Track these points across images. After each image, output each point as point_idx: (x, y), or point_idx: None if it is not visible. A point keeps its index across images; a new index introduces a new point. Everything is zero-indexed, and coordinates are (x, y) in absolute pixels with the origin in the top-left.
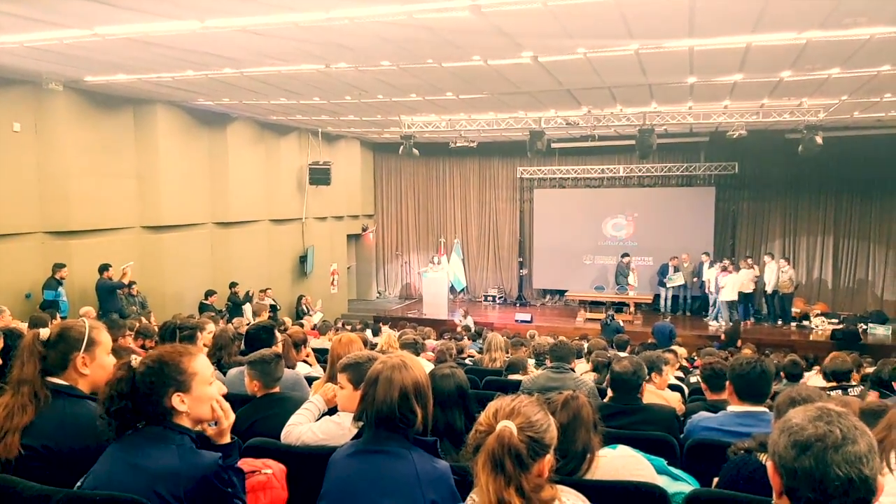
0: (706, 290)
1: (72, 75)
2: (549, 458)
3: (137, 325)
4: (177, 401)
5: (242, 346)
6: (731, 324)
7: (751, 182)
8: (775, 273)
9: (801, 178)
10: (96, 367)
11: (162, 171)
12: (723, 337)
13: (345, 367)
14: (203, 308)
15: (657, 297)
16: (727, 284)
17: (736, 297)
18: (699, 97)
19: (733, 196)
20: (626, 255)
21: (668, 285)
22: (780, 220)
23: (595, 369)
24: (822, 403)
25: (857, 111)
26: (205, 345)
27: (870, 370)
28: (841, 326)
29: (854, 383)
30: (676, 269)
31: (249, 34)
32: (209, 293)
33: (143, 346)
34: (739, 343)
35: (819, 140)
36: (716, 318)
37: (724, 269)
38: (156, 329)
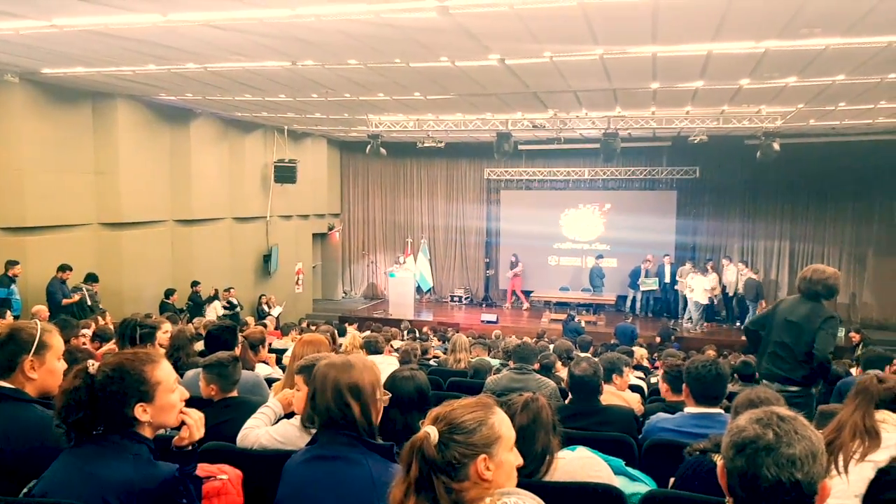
0: (681, 292)
1: (28, 67)
2: (482, 459)
3: (94, 326)
4: (139, 411)
5: (202, 347)
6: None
7: (711, 186)
8: (735, 276)
9: (760, 183)
10: (45, 372)
11: (121, 166)
12: (657, 339)
13: (301, 368)
14: (164, 307)
15: (621, 298)
16: (696, 287)
17: (705, 301)
18: (662, 102)
19: (694, 200)
20: (600, 256)
21: (641, 288)
22: (739, 224)
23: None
24: (773, 407)
25: (812, 119)
26: (160, 345)
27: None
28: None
29: None
30: (648, 273)
31: (213, 29)
32: (170, 292)
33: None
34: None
35: (776, 146)
36: (689, 320)
37: (695, 271)
38: (113, 329)
